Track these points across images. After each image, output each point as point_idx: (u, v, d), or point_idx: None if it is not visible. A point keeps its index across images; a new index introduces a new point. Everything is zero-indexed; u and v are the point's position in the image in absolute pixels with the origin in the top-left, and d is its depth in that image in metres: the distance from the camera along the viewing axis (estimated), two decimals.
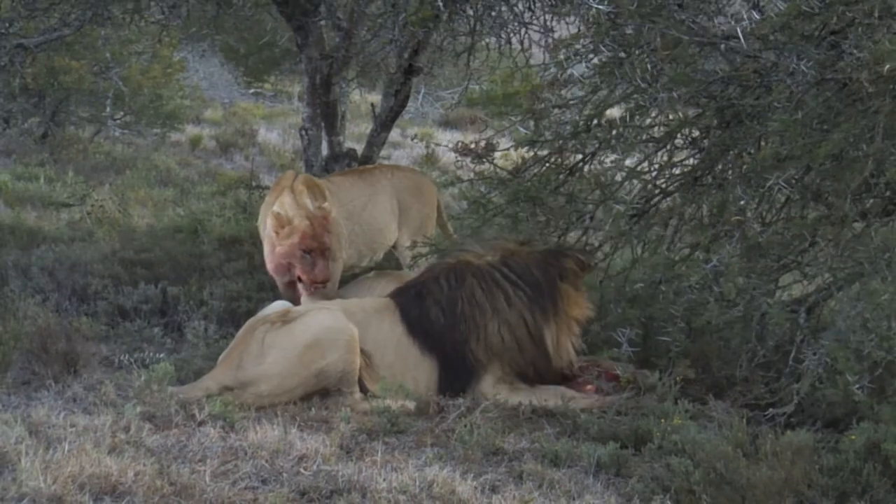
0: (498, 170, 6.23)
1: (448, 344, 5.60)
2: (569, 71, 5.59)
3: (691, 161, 5.99)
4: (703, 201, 5.76)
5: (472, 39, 7.56)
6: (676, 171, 6.00)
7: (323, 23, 7.76)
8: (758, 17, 5.20)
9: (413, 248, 6.76)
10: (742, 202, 5.23)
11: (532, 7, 7.05)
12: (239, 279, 7.13)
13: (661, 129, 5.87)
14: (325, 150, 8.02)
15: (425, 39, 7.70)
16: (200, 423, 4.87)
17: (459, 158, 6.36)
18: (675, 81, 5.18)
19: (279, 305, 5.74)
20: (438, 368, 5.57)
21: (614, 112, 5.89)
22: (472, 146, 6.08)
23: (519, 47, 7.42)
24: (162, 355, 5.65)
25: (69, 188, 10.68)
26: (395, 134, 13.52)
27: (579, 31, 5.79)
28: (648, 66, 5.17)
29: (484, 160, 6.12)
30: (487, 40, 7.77)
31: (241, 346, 5.40)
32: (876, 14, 4.65)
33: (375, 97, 11.87)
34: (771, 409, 5.11)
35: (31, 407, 4.98)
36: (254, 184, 10.10)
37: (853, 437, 4.48)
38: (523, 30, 7.22)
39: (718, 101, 5.40)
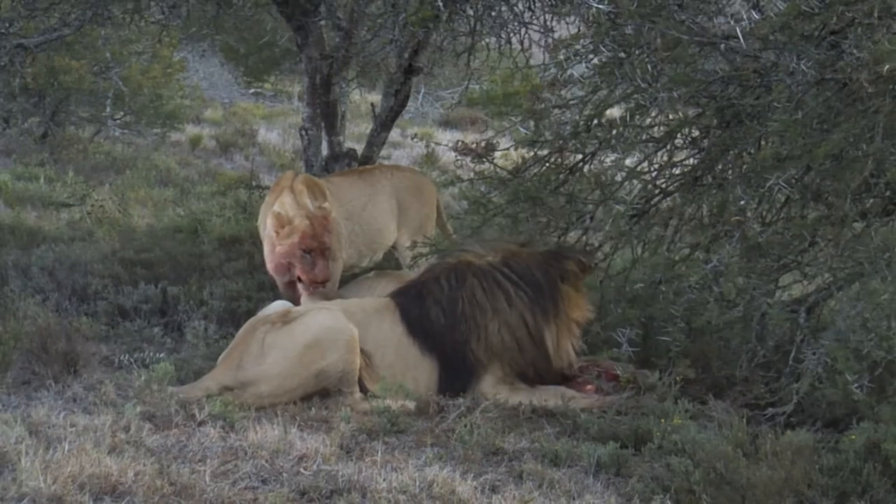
0: (498, 170, 6.23)
1: (448, 344, 5.60)
2: (569, 71, 5.59)
3: (691, 161, 5.99)
4: (703, 201, 5.76)
5: (472, 39, 7.55)
6: (676, 171, 6.00)
7: (323, 23, 7.76)
8: (757, 17, 5.20)
9: (413, 248, 6.76)
10: (742, 202, 5.23)
11: (532, 7, 7.05)
12: (239, 279, 7.13)
13: (661, 128, 5.87)
14: (325, 150, 8.03)
15: (425, 39, 7.70)
16: (200, 423, 4.87)
17: (459, 158, 6.36)
18: (675, 81, 5.18)
19: (279, 305, 5.74)
20: (438, 368, 5.57)
21: (614, 112, 5.88)
22: (473, 146, 6.08)
23: (519, 47, 7.42)
24: (162, 355, 5.65)
25: (69, 188, 10.68)
26: (395, 134, 13.52)
27: (579, 31, 5.79)
28: (648, 66, 5.17)
29: (484, 160, 6.12)
30: (487, 40, 7.76)
31: (242, 346, 5.40)
32: (876, 14, 4.65)
33: (375, 97, 11.87)
34: (770, 409, 5.11)
35: (31, 407, 4.98)
36: (254, 184, 10.10)
37: (853, 437, 4.48)
38: (523, 30, 7.22)
39: (718, 100, 5.40)
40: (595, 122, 5.74)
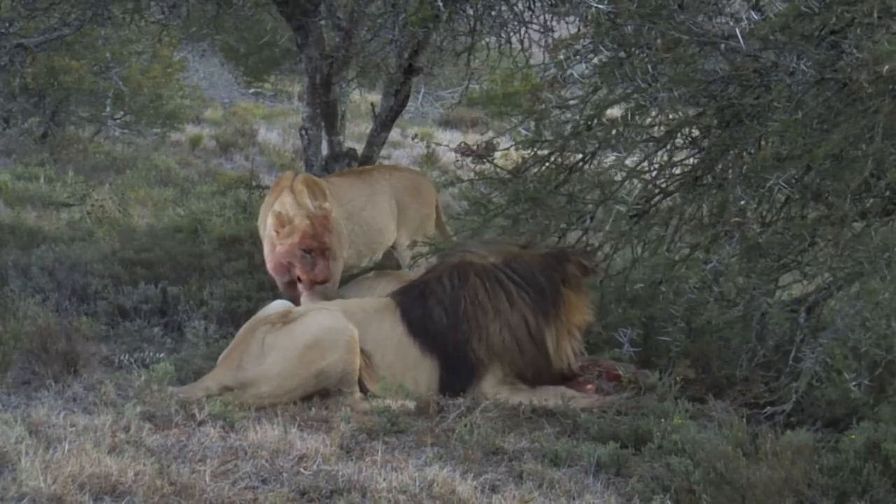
0: (498, 170, 6.23)
1: (450, 344, 5.60)
2: (569, 71, 5.59)
3: (691, 161, 5.99)
4: (703, 201, 5.77)
5: (472, 39, 7.56)
6: (676, 170, 6.00)
7: (323, 23, 7.76)
8: (757, 17, 5.20)
9: (412, 248, 6.76)
10: (742, 202, 5.23)
11: (532, 7, 7.05)
12: (239, 279, 7.13)
13: (662, 128, 5.87)
14: (325, 150, 8.03)
15: (425, 39, 7.70)
16: (200, 423, 4.87)
17: (459, 158, 6.36)
18: (675, 81, 5.18)
19: (279, 305, 5.74)
20: (439, 368, 5.57)
21: (614, 112, 5.88)
22: (474, 147, 6.08)
23: (519, 47, 7.42)
24: (162, 355, 5.65)
25: (69, 188, 10.68)
26: (395, 134, 13.52)
27: (579, 30, 5.78)
28: (648, 66, 5.17)
29: (484, 160, 6.12)
30: (487, 40, 7.77)
31: (242, 346, 5.40)
32: (876, 14, 4.65)
33: (375, 97, 11.87)
34: (769, 408, 5.11)
35: (31, 407, 4.98)
36: (254, 184, 10.10)
37: (853, 436, 4.48)
38: (523, 29, 7.22)
39: (718, 100, 5.40)
40: (595, 121, 5.73)
